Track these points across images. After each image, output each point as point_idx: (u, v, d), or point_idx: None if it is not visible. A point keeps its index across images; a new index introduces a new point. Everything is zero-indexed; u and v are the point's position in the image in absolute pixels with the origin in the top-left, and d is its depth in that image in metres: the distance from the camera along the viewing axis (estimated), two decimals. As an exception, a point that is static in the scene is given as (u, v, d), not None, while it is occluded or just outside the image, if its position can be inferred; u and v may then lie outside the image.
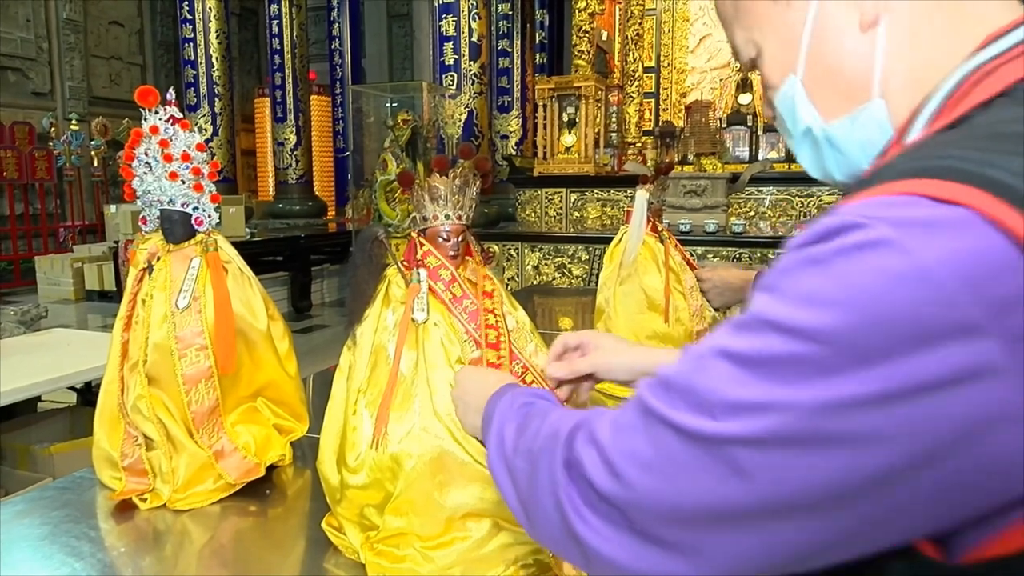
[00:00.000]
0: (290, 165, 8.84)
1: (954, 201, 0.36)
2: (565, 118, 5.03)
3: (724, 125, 5.63)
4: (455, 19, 6.24)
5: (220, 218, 1.18)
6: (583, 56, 5.45)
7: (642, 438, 0.45)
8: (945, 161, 0.39)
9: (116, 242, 7.09)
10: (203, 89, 8.05)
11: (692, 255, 1.77)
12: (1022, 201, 0.35)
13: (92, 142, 10.20)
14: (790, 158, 5.31)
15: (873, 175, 0.43)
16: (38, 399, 2.73)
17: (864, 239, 0.37)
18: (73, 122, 10.00)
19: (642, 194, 1.58)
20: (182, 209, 1.13)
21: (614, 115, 5.94)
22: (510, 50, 7.72)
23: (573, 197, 5.02)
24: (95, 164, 10.27)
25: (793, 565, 0.42)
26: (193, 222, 1.15)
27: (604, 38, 5.72)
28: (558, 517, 0.50)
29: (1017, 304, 0.34)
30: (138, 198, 1.14)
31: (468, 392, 0.78)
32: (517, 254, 4.96)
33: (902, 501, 0.38)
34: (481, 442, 0.72)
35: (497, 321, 0.93)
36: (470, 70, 6.32)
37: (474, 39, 6.29)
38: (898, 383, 0.35)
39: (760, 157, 5.43)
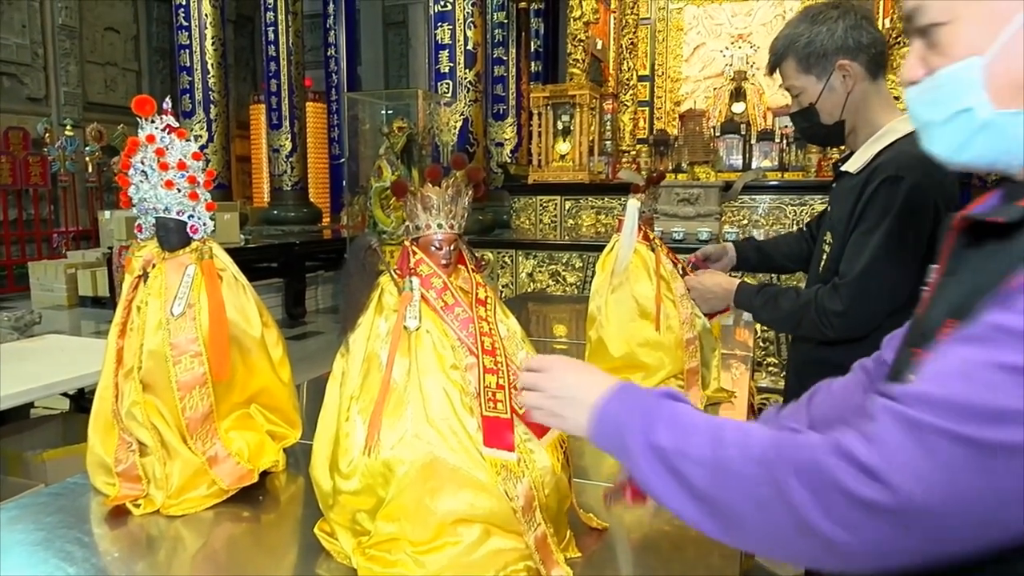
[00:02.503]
0: (285, 172, 8.84)
1: None
2: (560, 126, 5.05)
3: (718, 134, 5.66)
4: (451, 27, 6.27)
5: (215, 226, 1.19)
6: (578, 65, 5.48)
7: (912, 450, 0.51)
8: None
9: (110, 248, 7.07)
10: (199, 95, 8.06)
11: (687, 263, 1.80)
12: None
13: (87, 148, 10.18)
14: (783, 166, 5.33)
15: None
16: (31, 405, 2.73)
17: None
18: (68, 128, 9.98)
19: (633, 203, 1.60)
20: (177, 217, 1.15)
21: (608, 123, 5.96)
22: (505, 58, 7.76)
23: (567, 205, 5.04)
24: (89, 170, 10.24)
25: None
26: (188, 230, 1.16)
27: (599, 47, 5.75)
28: (791, 520, 0.56)
29: None
30: (134, 206, 1.15)
31: (570, 386, 0.76)
32: (511, 261, 4.97)
33: None
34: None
35: (491, 329, 0.95)
36: (465, 78, 6.35)
37: (469, 47, 6.32)
38: None
39: (753, 166, 5.46)
